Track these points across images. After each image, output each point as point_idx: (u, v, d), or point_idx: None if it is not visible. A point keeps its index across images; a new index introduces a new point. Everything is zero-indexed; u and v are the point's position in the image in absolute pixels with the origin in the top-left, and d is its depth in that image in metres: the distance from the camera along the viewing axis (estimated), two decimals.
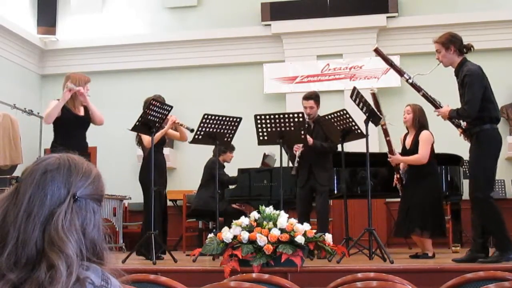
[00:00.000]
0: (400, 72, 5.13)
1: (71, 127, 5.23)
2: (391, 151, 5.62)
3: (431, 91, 5.17)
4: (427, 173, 5.60)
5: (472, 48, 4.76)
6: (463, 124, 4.86)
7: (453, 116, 4.80)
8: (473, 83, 4.60)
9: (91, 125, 5.47)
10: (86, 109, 5.37)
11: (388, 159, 5.69)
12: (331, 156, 6.18)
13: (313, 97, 6.15)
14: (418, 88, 5.05)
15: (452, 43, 4.75)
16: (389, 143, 5.62)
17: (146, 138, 5.78)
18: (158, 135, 5.67)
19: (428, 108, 5.46)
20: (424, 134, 5.60)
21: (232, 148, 7.48)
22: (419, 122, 5.63)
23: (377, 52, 5.26)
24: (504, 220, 4.63)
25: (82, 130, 5.37)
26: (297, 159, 5.85)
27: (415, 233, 5.61)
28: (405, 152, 5.71)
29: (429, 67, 5.02)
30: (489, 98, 4.68)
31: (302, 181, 6.05)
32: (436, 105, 4.98)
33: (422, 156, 5.54)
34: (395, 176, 5.81)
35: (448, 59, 4.80)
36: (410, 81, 5.04)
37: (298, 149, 5.88)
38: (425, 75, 4.96)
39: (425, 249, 5.59)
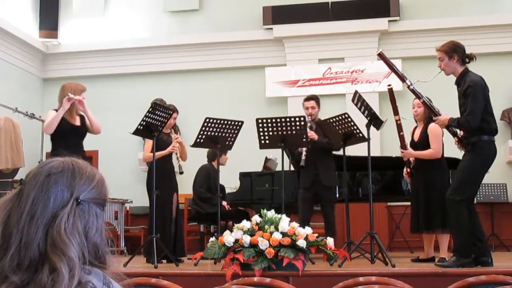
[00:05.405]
0: (402, 78, 5.13)
1: (68, 137, 5.25)
2: (403, 145, 5.59)
3: (431, 97, 5.18)
4: (438, 166, 5.56)
5: (474, 58, 4.76)
6: (460, 133, 4.86)
7: (452, 125, 4.78)
8: (476, 95, 4.58)
9: None
10: (82, 118, 5.40)
11: (401, 154, 5.65)
12: (333, 156, 6.20)
13: (314, 98, 6.24)
14: (419, 95, 5.06)
15: (455, 52, 4.73)
16: (402, 138, 5.57)
17: (146, 150, 5.93)
18: (158, 154, 5.63)
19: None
20: (432, 126, 5.50)
21: (225, 151, 7.47)
22: (429, 115, 5.60)
23: (381, 56, 5.25)
24: (471, 228, 4.61)
25: (79, 139, 5.40)
26: (304, 153, 5.85)
27: (437, 230, 5.54)
28: (413, 144, 5.69)
29: (431, 71, 5.01)
30: (490, 110, 4.69)
31: (307, 183, 6.04)
32: (435, 113, 4.98)
33: (435, 150, 5.51)
34: (405, 169, 5.77)
35: (450, 68, 4.78)
36: (411, 87, 5.03)
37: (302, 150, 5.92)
38: (426, 82, 4.97)
39: (441, 252, 5.51)
